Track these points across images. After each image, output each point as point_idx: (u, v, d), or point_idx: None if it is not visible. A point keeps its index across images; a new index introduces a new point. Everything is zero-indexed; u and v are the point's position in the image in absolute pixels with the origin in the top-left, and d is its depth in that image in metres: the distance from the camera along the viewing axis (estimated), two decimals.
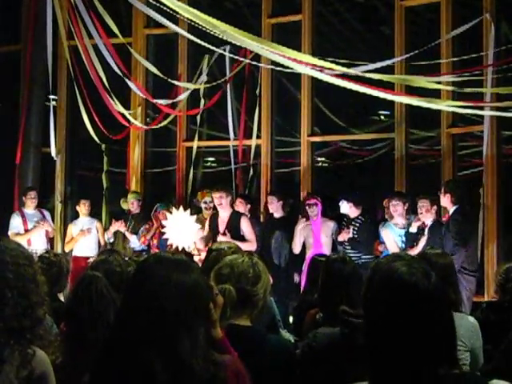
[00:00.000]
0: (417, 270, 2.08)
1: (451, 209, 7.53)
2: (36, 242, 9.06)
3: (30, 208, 9.30)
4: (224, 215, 8.14)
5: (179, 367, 1.98)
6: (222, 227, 8.07)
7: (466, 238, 7.38)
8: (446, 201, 7.60)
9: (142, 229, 9.35)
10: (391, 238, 7.95)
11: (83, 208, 9.55)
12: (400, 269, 2.09)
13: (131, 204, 9.60)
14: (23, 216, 9.22)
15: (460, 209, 7.49)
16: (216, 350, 2.21)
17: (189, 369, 1.98)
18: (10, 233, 9.06)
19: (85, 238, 9.45)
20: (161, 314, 2.01)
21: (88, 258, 8.73)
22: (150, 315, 2.02)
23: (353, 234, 8.23)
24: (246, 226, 8.05)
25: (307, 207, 8.53)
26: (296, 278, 8.47)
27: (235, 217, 8.13)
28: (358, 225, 8.29)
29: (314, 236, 8.45)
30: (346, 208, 8.45)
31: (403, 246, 7.92)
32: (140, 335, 2.01)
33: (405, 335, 1.97)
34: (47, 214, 9.61)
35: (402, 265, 2.11)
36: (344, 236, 8.25)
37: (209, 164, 12.69)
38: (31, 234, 9.17)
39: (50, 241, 9.65)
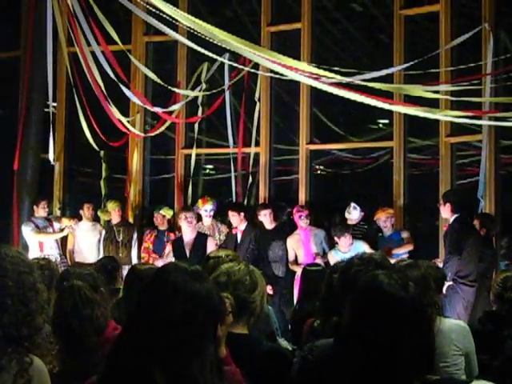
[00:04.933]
0: (395, 281, 2.11)
1: (451, 218, 7.52)
2: (48, 247, 9.03)
3: (41, 217, 9.27)
4: (190, 237, 7.92)
5: (183, 379, 1.98)
6: (187, 249, 7.87)
7: (459, 246, 7.30)
8: (445, 210, 7.57)
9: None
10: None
11: (86, 212, 9.53)
12: (380, 279, 2.13)
13: (117, 212, 9.49)
14: (35, 224, 9.16)
15: (460, 217, 7.48)
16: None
17: (193, 381, 1.98)
18: (33, 232, 9.01)
19: (85, 244, 9.44)
20: (173, 321, 2.01)
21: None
22: (163, 321, 2.02)
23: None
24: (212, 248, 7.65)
25: (299, 219, 8.45)
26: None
27: (200, 238, 7.91)
28: (364, 230, 8.30)
29: (304, 246, 8.38)
30: (357, 214, 8.43)
31: None
32: (148, 342, 2.00)
33: (383, 343, 1.99)
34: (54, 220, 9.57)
35: (383, 275, 2.14)
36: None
37: (207, 172, 12.67)
38: (57, 235, 9.23)
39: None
